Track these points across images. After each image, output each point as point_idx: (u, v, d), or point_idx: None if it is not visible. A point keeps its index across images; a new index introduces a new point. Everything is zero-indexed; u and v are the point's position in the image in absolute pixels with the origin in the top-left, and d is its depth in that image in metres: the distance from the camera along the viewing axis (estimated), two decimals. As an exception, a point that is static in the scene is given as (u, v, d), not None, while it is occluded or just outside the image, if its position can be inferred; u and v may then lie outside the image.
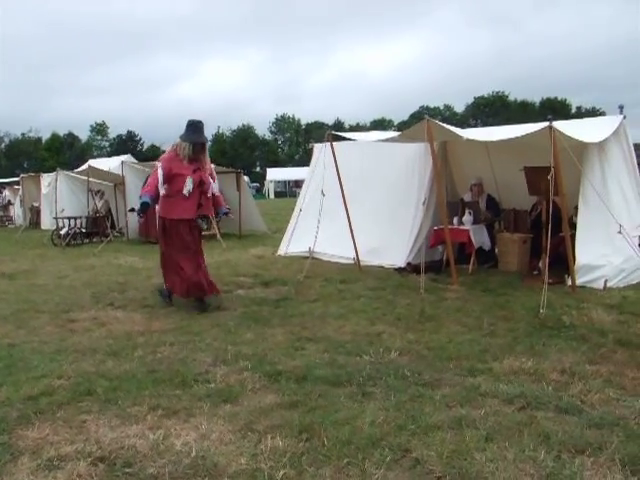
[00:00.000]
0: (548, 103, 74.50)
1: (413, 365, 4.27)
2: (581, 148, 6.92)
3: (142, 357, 4.61)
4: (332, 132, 8.37)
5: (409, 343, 4.83)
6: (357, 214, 8.54)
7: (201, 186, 6.28)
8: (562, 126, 6.14)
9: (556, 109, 68.66)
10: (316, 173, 8.34)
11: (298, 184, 37.47)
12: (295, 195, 31.59)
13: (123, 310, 6.35)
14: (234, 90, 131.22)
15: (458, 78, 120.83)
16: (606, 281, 6.87)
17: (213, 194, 6.47)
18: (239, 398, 3.70)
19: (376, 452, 2.92)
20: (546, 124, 6.02)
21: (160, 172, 6.18)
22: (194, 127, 6.29)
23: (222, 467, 2.83)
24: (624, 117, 7.52)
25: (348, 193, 8.37)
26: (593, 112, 66.95)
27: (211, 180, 6.39)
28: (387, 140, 8.29)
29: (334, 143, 8.40)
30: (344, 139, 9.07)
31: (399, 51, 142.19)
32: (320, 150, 9.90)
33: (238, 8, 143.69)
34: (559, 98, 76.54)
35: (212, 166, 6.82)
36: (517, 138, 6.48)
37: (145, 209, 6.27)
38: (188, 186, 6.14)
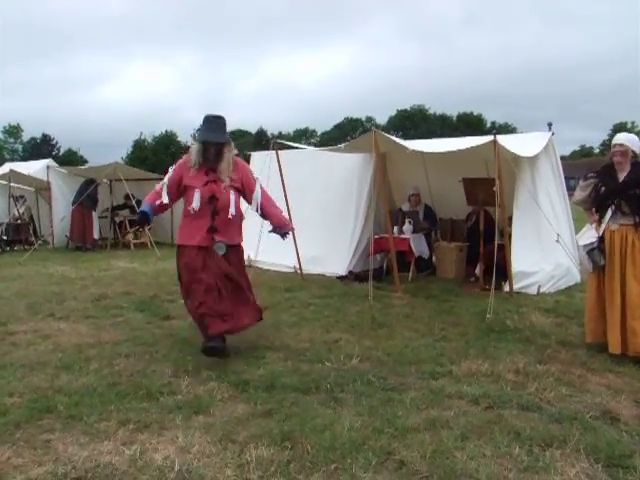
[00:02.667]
0: (464, 117, 77.86)
1: (376, 371, 4.37)
2: (515, 162, 7.32)
3: (98, 370, 4.44)
4: (277, 140, 8.39)
5: (367, 349, 4.93)
6: (297, 223, 8.58)
7: (212, 202, 4.72)
8: (502, 140, 6.48)
9: (472, 123, 71.96)
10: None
11: None
12: None
13: (66, 321, 6.07)
14: (160, 95, 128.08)
15: (384, 90, 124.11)
16: (539, 287, 7.30)
17: (263, 208, 4.96)
18: (210, 409, 3.66)
19: (360, 456, 2.98)
20: (490, 138, 6.34)
21: (166, 177, 4.95)
22: (209, 123, 4.87)
23: None
24: (552, 134, 8.02)
25: (289, 202, 8.42)
26: (506, 127, 70.64)
27: (232, 195, 4.76)
28: (332, 150, 8.42)
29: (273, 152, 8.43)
30: (288, 148, 9.12)
31: (330, 61, 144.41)
32: (260, 157, 9.93)
33: (169, 12, 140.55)
34: (475, 113, 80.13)
35: (253, 174, 5.08)
36: (460, 151, 6.76)
37: (144, 221, 5.10)
38: (195, 202, 4.71)
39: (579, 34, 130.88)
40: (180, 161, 5.01)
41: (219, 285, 4.75)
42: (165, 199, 4.87)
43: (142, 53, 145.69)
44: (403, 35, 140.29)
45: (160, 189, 4.91)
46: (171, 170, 4.98)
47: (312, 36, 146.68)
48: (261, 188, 4.96)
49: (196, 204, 4.70)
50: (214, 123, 4.88)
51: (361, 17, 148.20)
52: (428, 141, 8.72)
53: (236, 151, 4.94)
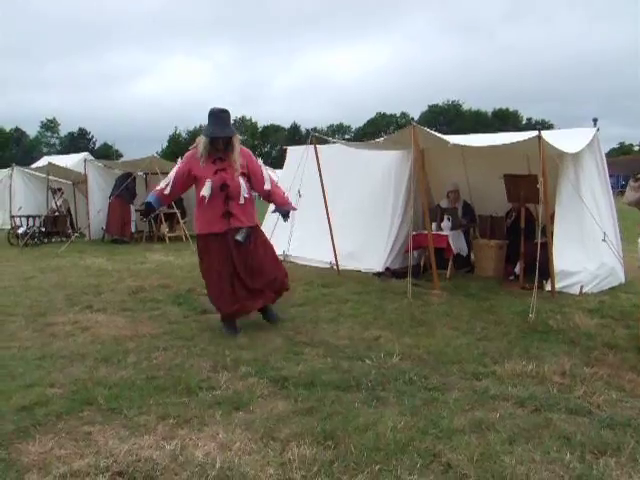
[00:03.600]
0: (500, 113, 76.64)
1: (417, 369, 4.27)
2: (559, 158, 7.10)
3: (137, 363, 4.44)
4: (316, 134, 8.31)
5: (408, 347, 4.83)
6: (333, 218, 8.53)
7: (224, 190, 5.01)
8: (547, 136, 6.28)
9: (507, 120, 70.80)
10: (292, 175, 8.31)
11: None
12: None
13: (103, 313, 6.12)
14: (196, 90, 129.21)
15: (420, 86, 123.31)
16: (582, 287, 7.07)
17: (267, 191, 5.28)
18: (250, 405, 3.61)
19: (405, 457, 2.90)
20: (535, 133, 6.15)
21: (174, 170, 5.22)
22: (215, 117, 5.07)
23: (251, 478, 2.75)
24: (597, 129, 7.77)
25: (326, 196, 8.35)
26: (543, 124, 69.27)
27: (241, 181, 5.07)
28: (370, 145, 8.31)
29: (312, 146, 8.35)
30: (326, 142, 9.04)
31: (367, 56, 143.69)
32: (296, 152, 9.89)
33: (207, 5, 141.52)
34: (510, 109, 78.80)
35: (259, 161, 5.40)
36: (503, 146, 6.58)
37: (149, 211, 5.48)
38: (205, 190, 5.00)
39: (623, 28, 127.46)
40: (187, 154, 5.23)
41: (234, 271, 5.12)
42: (167, 191, 5.18)
43: (179, 47, 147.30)
44: (442, 30, 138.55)
45: (165, 183, 5.21)
46: (179, 163, 5.25)
47: (350, 30, 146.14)
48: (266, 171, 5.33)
49: (207, 192, 4.99)
50: (219, 117, 5.11)
51: (400, 11, 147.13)
52: (469, 136, 8.53)
53: (240, 138, 5.27)
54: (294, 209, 5.59)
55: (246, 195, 5.11)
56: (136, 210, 13.75)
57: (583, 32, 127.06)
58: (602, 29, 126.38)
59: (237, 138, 5.17)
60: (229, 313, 5.25)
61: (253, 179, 5.24)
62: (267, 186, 5.28)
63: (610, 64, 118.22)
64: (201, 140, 5.11)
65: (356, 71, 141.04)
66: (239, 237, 5.05)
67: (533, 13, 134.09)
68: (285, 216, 5.49)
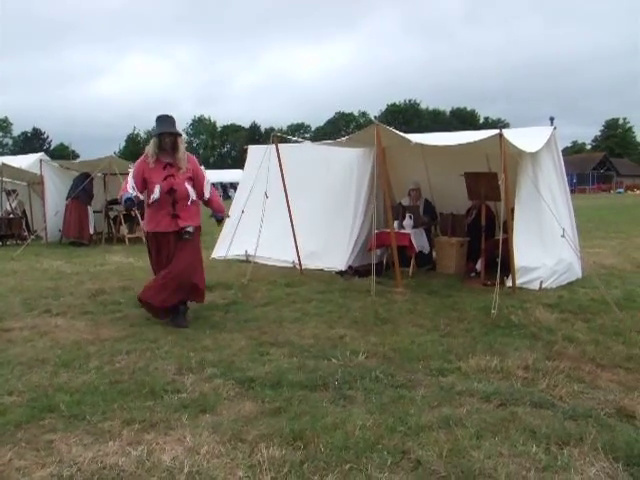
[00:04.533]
0: (458, 112, 77.89)
1: (383, 367, 4.28)
2: (518, 156, 7.25)
3: (99, 367, 4.33)
4: (277, 134, 8.28)
5: (373, 345, 4.85)
6: (295, 217, 8.52)
7: (172, 194, 5.49)
8: (506, 134, 6.40)
9: (465, 119, 72.02)
10: (254, 175, 8.25)
11: (233, 186, 36.75)
12: (230, 197, 30.73)
13: (63, 317, 5.95)
14: (156, 89, 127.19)
15: (381, 85, 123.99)
16: (541, 282, 7.24)
17: (206, 199, 5.79)
18: (217, 407, 3.57)
19: (375, 455, 2.91)
20: (496, 132, 6.26)
21: (130, 174, 5.67)
22: (161, 120, 5.65)
23: (221, 480, 2.71)
24: (554, 128, 7.96)
25: (288, 196, 8.32)
26: (499, 123, 70.74)
27: (187, 185, 5.55)
28: (333, 144, 8.32)
29: (273, 145, 8.31)
30: (288, 141, 9.01)
31: (330, 55, 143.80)
32: (257, 152, 9.82)
33: (169, 3, 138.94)
34: (468, 108, 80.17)
35: (202, 168, 5.99)
36: (464, 144, 6.68)
37: (132, 205, 5.67)
38: (155, 194, 5.47)
39: (579, 31, 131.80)
40: (139, 159, 5.73)
41: (170, 266, 5.59)
42: (130, 191, 5.52)
43: (139, 46, 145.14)
44: (406, 29, 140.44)
45: (126, 184, 5.60)
46: (133, 167, 5.79)
47: (315, 29, 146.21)
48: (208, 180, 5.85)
49: (156, 195, 5.46)
50: (166, 120, 5.66)
51: (364, 11, 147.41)
52: (430, 135, 8.63)
53: (186, 144, 5.85)
54: (227, 216, 6.20)
55: (194, 198, 5.62)
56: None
57: (541, 33, 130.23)
58: (559, 31, 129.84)
59: (182, 140, 5.69)
60: (159, 305, 5.61)
61: (196, 185, 5.69)
62: (207, 195, 5.80)
63: (565, 65, 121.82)
64: (151, 142, 5.58)
65: (319, 70, 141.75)
66: (186, 236, 5.57)
67: (492, 13, 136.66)
68: (219, 221, 6.16)
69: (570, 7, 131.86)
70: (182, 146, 5.60)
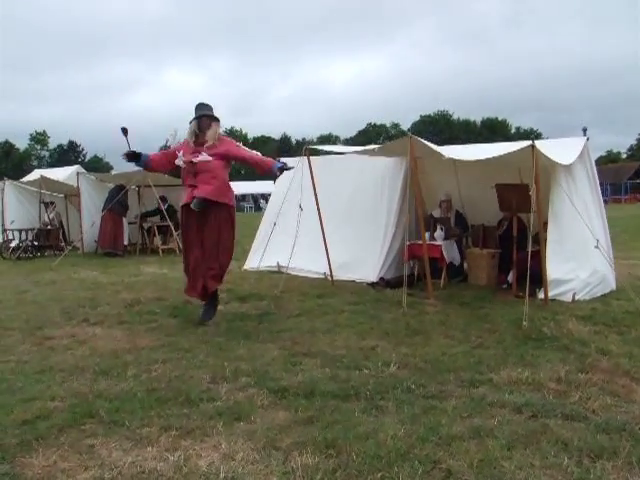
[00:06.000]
0: (488, 122, 77.28)
1: (415, 378, 4.31)
2: (549, 167, 7.21)
3: (136, 375, 4.46)
4: (309, 146, 8.40)
5: (404, 356, 4.88)
6: (326, 229, 8.60)
7: (193, 166, 5.81)
8: (539, 146, 6.38)
9: (496, 129, 71.41)
10: (285, 187, 8.38)
11: (264, 197, 37.20)
12: (261, 209, 31.08)
13: (100, 326, 6.14)
14: (191, 101, 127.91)
15: (417, 95, 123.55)
16: (574, 294, 7.16)
17: (244, 157, 6.05)
18: (251, 415, 3.64)
19: (406, 465, 2.94)
20: (528, 143, 6.26)
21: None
22: (198, 106, 6.02)
23: (256, 486, 2.78)
24: (587, 139, 7.89)
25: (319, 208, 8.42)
26: (531, 133, 69.97)
27: (208, 157, 5.77)
28: (364, 152, 8.40)
29: (305, 158, 8.43)
30: (320, 153, 9.12)
31: (364, 66, 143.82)
32: (290, 164, 9.94)
33: (205, 17, 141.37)
34: (499, 118, 79.47)
35: (239, 144, 6.27)
36: (500, 157, 6.66)
37: (132, 157, 6.00)
38: (178, 160, 5.90)
39: (620, 37, 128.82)
40: (183, 141, 6.11)
41: (196, 244, 5.89)
42: (180, 161, 5.87)
43: (175, 59, 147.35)
44: (442, 40, 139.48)
45: (166, 152, 6.20)
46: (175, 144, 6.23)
47: (348, 41, 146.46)
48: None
49: (179, 161, 5.84)
50: (205, 106, 5.99)
51: (400, 22, 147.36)
52: (462, 147, 8.64)
53: (223, 129, 6.30)
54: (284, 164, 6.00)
55: (206, 159, 5.76)
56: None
57: (581, 40, 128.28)
58: (600, 37, 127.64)
59: (217, 124, 5.98)
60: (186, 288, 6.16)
61: (233, 155, 6.02)
62: (245, 154, 6.06)
63: (603, 72, 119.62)
64: (189, 126, 5.94)
65: (352, 82, 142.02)
66: (193, 206, 5.72)
67: (534, 20, 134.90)
68: (283, 169, 5.95)
69: (613, 13, 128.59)
70: (215, 127, 5.89)
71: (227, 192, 5.93)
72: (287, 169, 5.97)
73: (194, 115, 5.94)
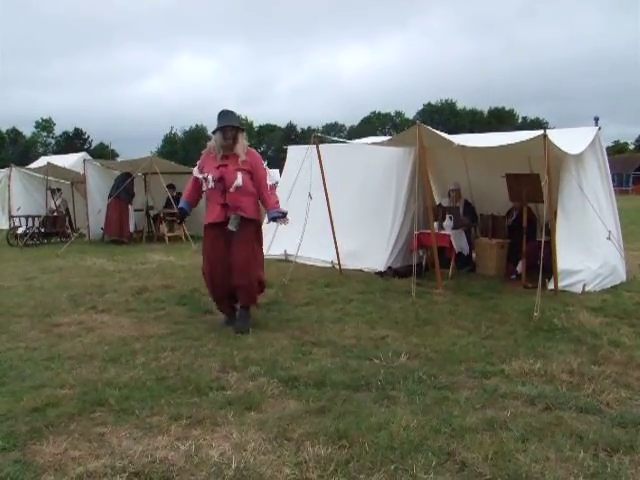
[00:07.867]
0: (496, 112, 76.76)
1: (426, 368, 4.28)
2: (559, 157, 7.12)
3: (145, 364, 4.44)
4: (318, 135, 8.32)
5: (415, 347, 4.85)
6: (335, 218, 8.54)
7: (222, 182, 5.39)
8: (550, 135, 6.28)
9: (504, 118, 70.93)
10: (293, 175, 8.31)
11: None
12: None
13: (108, 314, 6.12)
14: (202, 89, 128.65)
15: (423, 84, 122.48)
16: (584, 285, 7.10)
17: (259, 186, 5.54)
18: (261, 405, 3.62)
19: (420, 456, 2.91)
20: (540, 132, 6.17)
21: (195, 171, 5.67)
22: (222, 115, 5.61)
23: (268, 478, 2.75)
24: (599, 128, 7.79)
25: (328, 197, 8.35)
26: (538, 122, 69.45)
27: (239, 175, 5.37)
28: (374, 144, 8.32)
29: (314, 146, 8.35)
30: (330, 142, 9.05)
31: (377, 56, 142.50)
32: (297, 152, 9.89)
33: (217, 3, 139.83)
34: (507, 108, 78.91)
35: (265, 167, 5.73)
36: (509, 145, 6.59)
37: (183, 216, 5.96)
38: (209, 183, 5.42)
39: (634, 27, 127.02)
40: (203, 152, 5.72)
41: (225, 261, 5.47)
42: (211, 184, 5.43)
43: (188, 45, 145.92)
44: (457, 28, 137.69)
45: (190, 185, 5.72)
46: (198, 163, 5.71)
47: (363, 28, 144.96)
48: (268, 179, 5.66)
49: (210, 184, 5.43)
50: (228, 114, 5.65)
51: (415, 9, 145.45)
52: (472, 135, 8.55)
53: (247, 141, 5.70)
54: (286, 218, 5.68)
55: (240, 184, 5.38)
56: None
57: (597, 30, 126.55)
58: (615, 27, 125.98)
59: (243, 135, 5.62)
60: (214, 299, 5.77)
61: (254, 181, 5.55)
62: (263, 193, 5.60)
63: (615, 61, 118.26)
64: (214, 137, 5.57)
65: (363, 70, 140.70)
66: (230, 226, 5.36)
67: (550, 9, 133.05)
68: (274, 220, 5.70)
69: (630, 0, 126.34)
70: (242, 139, 5.56)
71: (258, 207, 5.68)
72: (277, 221, 5.68)
73: (217, 124, 5.55)
